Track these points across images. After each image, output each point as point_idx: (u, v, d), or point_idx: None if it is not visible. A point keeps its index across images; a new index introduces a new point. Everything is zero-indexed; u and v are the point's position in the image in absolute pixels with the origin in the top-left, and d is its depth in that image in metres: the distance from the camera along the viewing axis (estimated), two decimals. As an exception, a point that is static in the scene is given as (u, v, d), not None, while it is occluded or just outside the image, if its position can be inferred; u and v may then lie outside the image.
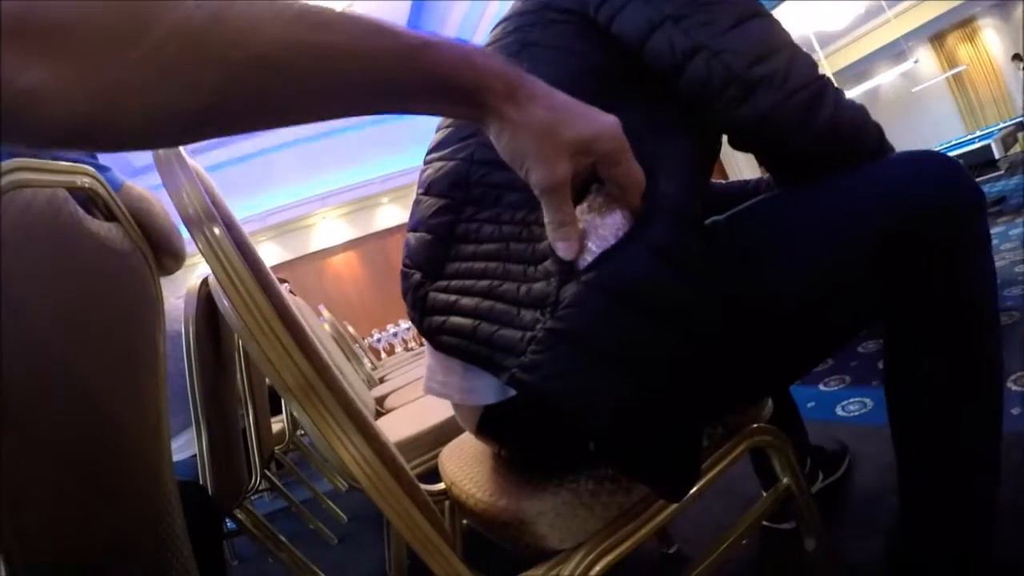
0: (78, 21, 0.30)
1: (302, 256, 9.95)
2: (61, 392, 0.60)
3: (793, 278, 0.68)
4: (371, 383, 3.28)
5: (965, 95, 10.85)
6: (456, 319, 0.68)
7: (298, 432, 2.58)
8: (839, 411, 1.82)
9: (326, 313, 3.78)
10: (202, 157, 8.62)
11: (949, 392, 0.75)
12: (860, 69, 10.97)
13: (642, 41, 0.70)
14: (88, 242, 0.67)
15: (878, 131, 0.76)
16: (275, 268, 8.96)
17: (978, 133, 7.96)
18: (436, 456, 1.26)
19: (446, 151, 0.79)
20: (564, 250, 0.57)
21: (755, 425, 0.79)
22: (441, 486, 0.97)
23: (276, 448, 2.40)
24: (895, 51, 10.28)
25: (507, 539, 0.70)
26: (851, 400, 1.86)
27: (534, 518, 0.66)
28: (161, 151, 0.58)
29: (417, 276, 0.76)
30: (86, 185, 0.69)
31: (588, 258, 0.58)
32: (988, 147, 5.99)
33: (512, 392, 0.68)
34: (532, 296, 0.62)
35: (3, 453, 0.52)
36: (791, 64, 0.69)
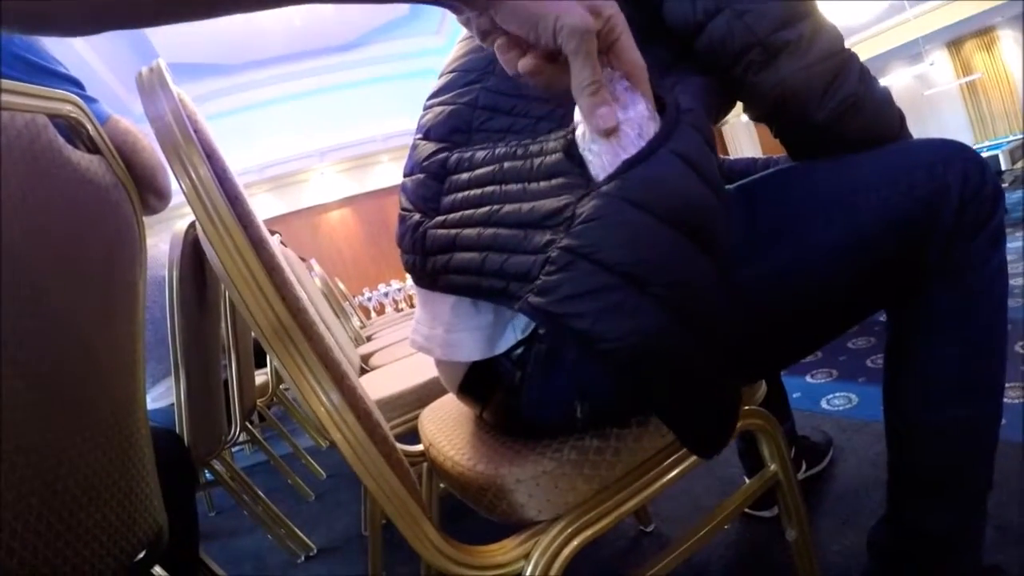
0: None
1: (297, 210, 9.89)
2: (31, 314, 0.58)
3: (803, 252, 0.66)
4: (358, 340, 3.26)
5: (977, 104, 10.81)
6: (461, 255, 0.64)
7: (281, 386, 2.56)
8: (824, 404, 1.81)
9: (317, 268, 3.74)
10: (201, 107, 8.53)
11: (951, 383, 0.73)
12: (875, 66, 10.87)
13: None
14: (67, 171, 0.64)
15: (900, 116, 0.74)
16: (269, 221, 9.03)
17: (986, 143, 7.96)
18: (417, 417, 1.25)
19: (448, 96, 0.77)
20: (604, 117, 0.51)
21: (747, 407, 0.77)
22: (420, 447, 0.95)
23: (259, 401, 2.38)
24: (912, 52, 10.22)
25: (483, 506, 0.68)
26: (837, 394, 1.85)
27: (512, 486, 0.63)
28: (145, 76, 0.54)
29: (415, 217, 0.72)
30: (69, 113, 0.66)
31: (625, 145, 0.54)
32: (996, 158, 6.00)
33: (499, 349, 0.65)
34: (540, 214, 0.58)
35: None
36: (816, 33, 0.66)
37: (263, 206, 9.53)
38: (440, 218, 0.69)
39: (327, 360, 0.53)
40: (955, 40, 10.59)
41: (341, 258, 9.87)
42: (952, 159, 0.67)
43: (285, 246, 3.20)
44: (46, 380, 0.60)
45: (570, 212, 0.55)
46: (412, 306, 8.45)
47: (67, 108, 0.66)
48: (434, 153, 0.73)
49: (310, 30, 7.85)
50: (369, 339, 3.54)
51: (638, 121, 0.53)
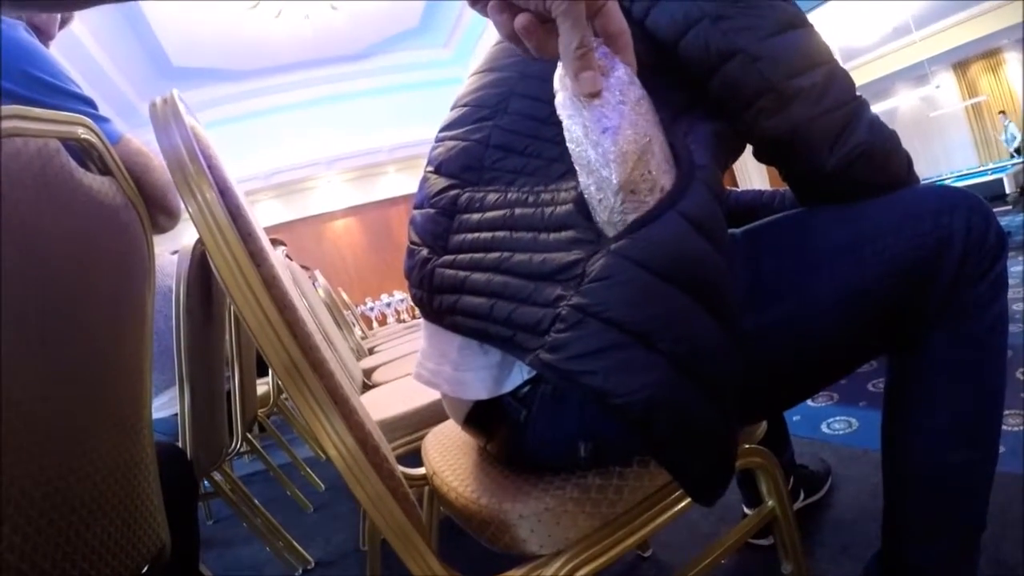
0: None
1: (302, 218, 9.90)
2: (40, 336, 0.59)
3: (808, 303, 0.67)
4: (360, 353, 3.27)
5: (982, 126, 10.85)
6: (469, 298, 0.65)
7: (282, 396, 2.57)
8: (824, 428, 1.81)
9: (321, 279, 3.76)
10: (210, 111, 8.60)
11: (948, 430, 0.74)
12: (881, 87, 10.93)
13: (677, 37, 0.68)
14: (79, 195, 0.65)
15: (908, 160, 0.74)
16: (274, 228, 9.05)
17: (991, 166, 7.98)
18: (420, 438, 1.25)
19: (460, 131, 0.77)
20: (589, 81, 0.52)
21: (747, 446, 0.78)
22: (422, 471, 0.96)
23: (260, 411, 2.38)
24: (917, 73, 10.26)
25: (485, 537, 0.69)
26: (837, 418, 1.85)
27: (515, 520, 0.65)
28: (159, 106, 0.56)
29: (423, 252, 0.73)
30: (81, 136, 0.67)
31: (607, 113, 0.54)
32: (1000, 181, 6.01)
33: (506, 388, 0.67)
34: (550, 268, 0.59)
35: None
36: (830, 80, 0.67)
37: (268, 212, 9.57)
38: (449, 257, 0.70)
39: (336, 396, 0.55)
40: (961, 62, 10.65)
41: (344, 266, 9.88)
42: (957, 208, 0.68)
43: (291, 259, 3.22)
44: (54, 399, 0.61)
45: (580, 269, 0.57)
46: (414, 317, 8.46)
47: (80, 131, 0.67)
48: (445, 189, 0.74)
49: (320, 40, 7.90)
50: (371, 351, 3.54)
51: (618, 87, 0.54)
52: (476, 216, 0.69)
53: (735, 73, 0.66)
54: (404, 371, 1.98)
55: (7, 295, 0.52)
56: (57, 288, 0.62)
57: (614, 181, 0.55)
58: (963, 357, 0.72)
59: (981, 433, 0.74)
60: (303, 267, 5.29)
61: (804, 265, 0.69)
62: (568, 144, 0.57)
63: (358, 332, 4.71)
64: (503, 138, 0.72)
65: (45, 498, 0.60)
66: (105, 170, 0.73)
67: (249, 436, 2.27)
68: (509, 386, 0.67)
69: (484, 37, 8.27)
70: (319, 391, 0.52)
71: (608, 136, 0.54)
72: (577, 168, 0.58)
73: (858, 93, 0.70)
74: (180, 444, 1.30)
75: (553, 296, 0.58)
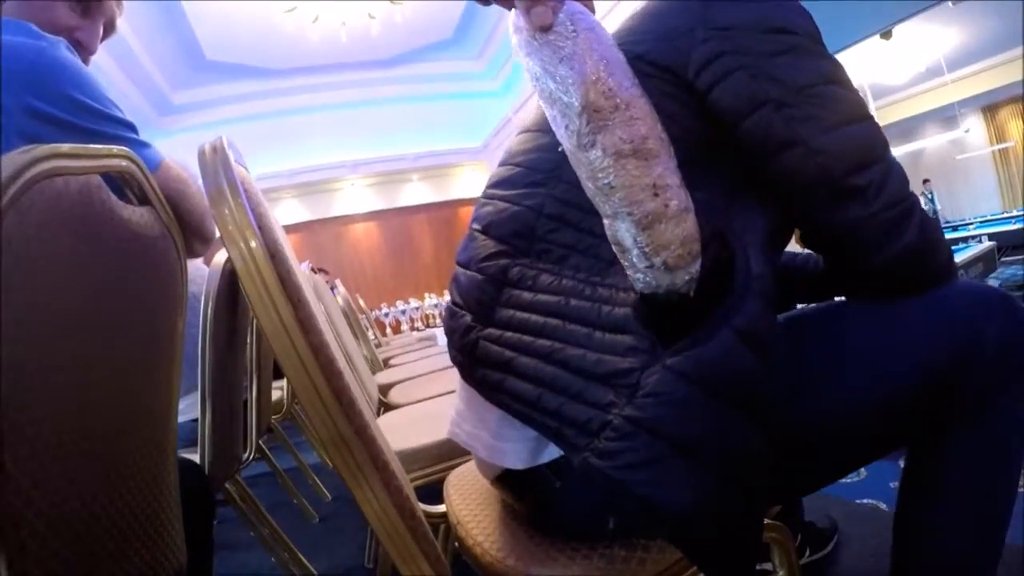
0: None
1: (323, 219, 10.00)
2: (75, 366, 0.59)
3: (843, 402, 0.68)
4: (375, 365, 3.28)
5: (1008, 171, 10.75)
6: (516, 382, 0.66)
7: (296, 403, 2.57)
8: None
9: (341, 288, 3.79)
10: (239, 106, 8.70)
11: (961, 522, 0.74)
12: (908, 127, 10.90)
13: (740, 117, 0.67)
14: (118, 230, 0.66)
15: (949, 253, 0.75)
16: (294, 227, 9.06)
17: (1016, 213, 7.90)
18: (438, 472, 1.26)
19: (511, 193, 0.77)
20: (540, 15, 0.53)
21: (766, 521, 0.79)
22: (441, 508, 0.97)
23: (273, 418, 2.39)
24: (946, 115, 10.22)
25: (507, 596, 0.70)
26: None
27: (542, 585, 0.66)
28: (208, 154, 0.56)
29: (467, 319, 0.73)
30: (123, 169, 0.68)
31: (559, 43, 0.54)
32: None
33: (542, 460, 0.68)
34: (603, 370, 0.60)
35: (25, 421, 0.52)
36: (886, 177, 0.67)
37: (289, 211, 9.69)
38: (495, 332, 0.70)
39: (379, 464, 0.56)
40: (991, 106, 10.59)
41: (362, 270, 9.96)
42: (992, 314, 0.69)
43: (331, 286, 3.23)
44: (87, 429, 0.62)
45: (635, 379, 0.58)
46: (428, 325, 8.50)
47: (121, 164, 0.68)
48: (494, 255, 0.73)
49: (354, 44, 7.98)
50: (387, 364, 3.55)
51: (568, 18, 0.55)
52: (528, 295, 0.69)
53: (793, 163, 0.66)
54: (422, 393, 1.99)
55: (48, 324, 0.53)
56: (94, 317, 0.63)
57: (576, 104, 0.55)
58: (986, 458, 0.73)
59: (993, 525, 0.75)
60: (322, 270, 5.33)
61: (841, 364, 0.70)
62: (532, 84, 0.58)
63: (372, 337, 4.72)
64: (556, 208, 0.71)
65: (82, 522, 0.61)
66: (144, 199, 0.73)
67: (260, 444, 2.28)
68: (545, 458, 0.68)
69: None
70: (365, 463, 0.54)
71: (564, 64, 0.55)
72: (542, 103, 0.58)
73: (911, 191, 0.70)
74: (197, 452, 1.31)
75: (605, 400, 0.59)
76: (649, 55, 0.70)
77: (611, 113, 0.55)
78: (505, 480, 0.76)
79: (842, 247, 0.71)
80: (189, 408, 1.54)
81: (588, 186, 0.57)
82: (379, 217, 10.31)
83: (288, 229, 9.39)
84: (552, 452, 0.68)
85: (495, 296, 0.72)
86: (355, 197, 10.16)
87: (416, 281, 10.01)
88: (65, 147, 0.55)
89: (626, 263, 0.59)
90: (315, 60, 8.47)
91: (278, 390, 2.53)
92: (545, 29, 0.54)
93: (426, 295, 9.34)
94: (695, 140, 0.67)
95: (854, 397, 0.68)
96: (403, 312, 9.29)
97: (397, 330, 8.90)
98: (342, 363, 0.65)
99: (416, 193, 10.35)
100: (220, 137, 0.59)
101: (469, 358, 0.72)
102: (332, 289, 3.23)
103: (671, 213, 0.56)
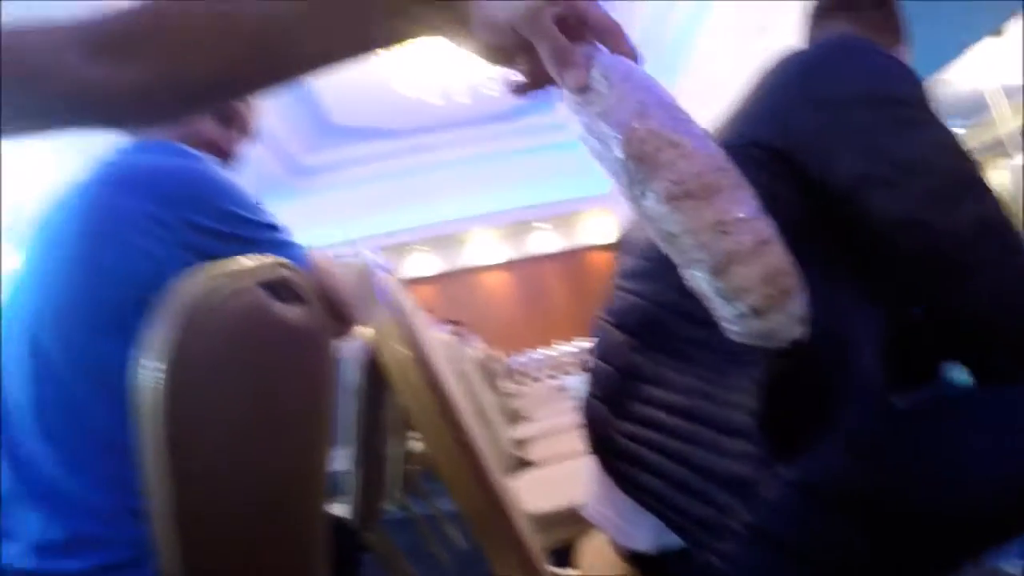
0: None
1: (454, 270, 10.42)
2: (237, 463, 0.65)
3: (960, 496, 0.61)
4: (510, 417, 3.30)
5: None
6: (647, 478, 0.69)
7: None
8: None
9: (480, 344, 3.90)
10: (368, 167, 9.24)
11: None
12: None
13: (850, 193, 0.64)
14: (276, 332, 0.71)
15: None
16: (426, 280, 9.35)
17: None
18: (574, 533, 1.25)
19: (641, 286, 0.78)
20: (572, 77, 0.51)
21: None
22: (571, 573, 0.97)
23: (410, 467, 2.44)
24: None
25: None
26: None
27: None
28: (359, 280, 0.61)
29: (604, 411, 0.76)
30: (282, 277, 0.72)
31: (595, 99, 0.53)
32: None
33: (667, 546, 0.70)
34: (726, 476, 0.62)
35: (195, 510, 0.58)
36: (1004, 246, 0.62)
37: (420, 264, 10.18)
38: (628, 427, 0.72)
39: (518, 542, 0.58)
40: None
41: (496, 318, 10.17)
42: None
43: (465, 341, 3.32)
44: (247, 525, 0.68)
45: (754, 489, 0.60)
46: (564, 372, 8.48)
47: (281, 272, 0.72)
48: (625, 347, 0.75)
49: (476, 101, 8.27)
50: (522, 415, 3.58)
51: (601, 71, 0.52)
52: (658, 392, 0.70)
53: (910, 243, 0.63)
54: (558, 449, 1.98)
55: (219, 430, 0.60)
56: (257, 414, 0.68)
57: (620, 157, 0.52)
58: None
59: None
60: (455, 323, 5.48)
61: (958, 465, 0.62)
62: (584, 145, 0.57)
63: (511, 386, 4.77)
64: (687, 305, 0.68)
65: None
66: (298, 299, 0.77)
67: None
68: (672, 544, 0.70)
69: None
70: (505, 538, 0.56)
71: (602, 121, 0.53)
72: (597, 162, 0.56)
73: None
74: (341, 502, 1.39)
75: (723, 503, 0.62)
76: (763, 140, 0.69)
77: (655, 157, 0.52)
78: (635, 558, 0.77)
79: (968, 327, 0.65)
80: (334, 460, 1.63)
81: (658, 241, 0.55)
82: (510, 267, 10.57)
83: (420, 283, 9.88)
84: (678, 539, 0.69)
85: (624, 388, 0.74)
86: (485, 247, 10.50)
87: (550, 328, 10.04)
88: (231, 267, 0.63)
89: (715, 314, 0.54)
90: (437, 119, 8.85)
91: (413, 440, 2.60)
92: (582, 90, 0.53)
93: (555, 343, 9.38)
94: (802, 227, 0.64)
95: (966, 495, 0.61)
96: (537, 360, 9.35)
97: (533, 378, 8.93)
98: (476, 430, 0.67)
99: (546, 241, 10.53)
100: (366, 262, 0.64)
101: (604, 451, 0.76)
102: (466, 342, 3.32)
103: (746, 250, 0.50)
